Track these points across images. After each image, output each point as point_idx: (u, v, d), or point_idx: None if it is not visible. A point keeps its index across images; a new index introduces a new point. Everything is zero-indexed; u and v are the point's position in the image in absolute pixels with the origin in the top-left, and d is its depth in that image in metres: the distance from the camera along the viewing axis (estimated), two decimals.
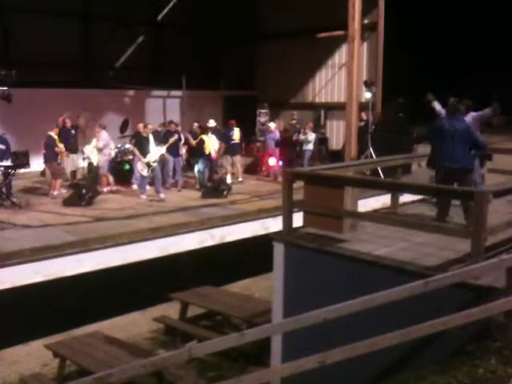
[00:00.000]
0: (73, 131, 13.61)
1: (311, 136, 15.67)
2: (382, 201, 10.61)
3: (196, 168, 13.50)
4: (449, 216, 7.47)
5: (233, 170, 14.55)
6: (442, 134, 7.48)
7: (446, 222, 7.36)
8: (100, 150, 13.00)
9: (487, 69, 34.99)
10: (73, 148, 13.50)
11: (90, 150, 13.41)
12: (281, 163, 15.09)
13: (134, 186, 13.25)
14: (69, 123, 13.44)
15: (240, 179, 14.38)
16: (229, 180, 13.98)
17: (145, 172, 12.17)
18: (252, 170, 15.97)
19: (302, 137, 15.78)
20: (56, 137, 12.46)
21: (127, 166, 14.01)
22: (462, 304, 4.95)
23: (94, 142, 13.33)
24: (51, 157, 12.34)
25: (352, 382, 5.61)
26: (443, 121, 7.74)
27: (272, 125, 16.23)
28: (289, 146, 15.47)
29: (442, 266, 5.74)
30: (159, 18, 21.19)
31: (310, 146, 15.66)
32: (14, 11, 17.03)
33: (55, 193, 12.25)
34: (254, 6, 21.26)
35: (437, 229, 6.59)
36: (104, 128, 13.41)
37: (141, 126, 13.08)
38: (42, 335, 9.03)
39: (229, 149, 14.52)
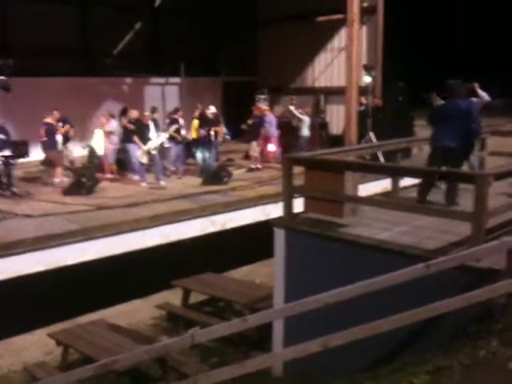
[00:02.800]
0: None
1: (304, 120, 15.47)
2: (382, 185, 10.61)
3: (200, 156, 13.42)
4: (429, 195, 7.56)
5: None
6: (445, 115, 7.49)
7: (429, 201, 7.44)
8: (108, 137, 13.00)
9: (487, 53, 34.85)
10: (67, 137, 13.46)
11: (94, 138, 13.34)
12: (273, 148, 15.04)
13: (130, 175, 13.25)
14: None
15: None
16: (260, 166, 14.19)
17: (144, 159, 12.15)
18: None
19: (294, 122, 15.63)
20: (55, 123, 12.41)
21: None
22: (464, 286, 4.96)
23: (97, 130, 13.30)
24: (51, 145, 12.31)
25: (354, 365, 5.64)
26: (447, 102, 7.71)
27: (265, 107, 16.01)
28: (286, 131, 15.36)
29: (443, 249, 5.75)
30: (157, 3, 21.04)
31: (305, 132, 15.48)
32: None
33: (57, 180, 12.24)
34: None
35: (438, 212, 6.60)
36: (113, 116, 13.42)
37: (134, 111, 13.05)
38: (46, 324, 9.07)
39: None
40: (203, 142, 13.39)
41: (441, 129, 7.49)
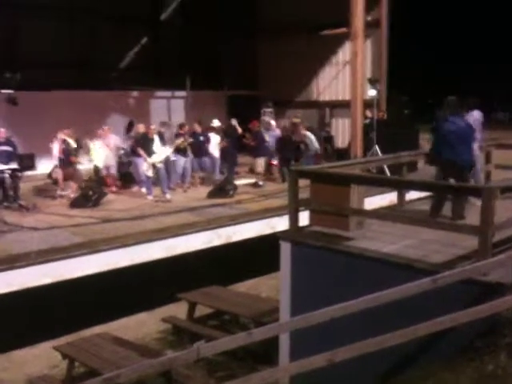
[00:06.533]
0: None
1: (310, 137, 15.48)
2: (388, 198, 10.59)
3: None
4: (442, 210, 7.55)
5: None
6: (445, 132, 7.50)
7: (440, 216, 7.43)
8: (108, 150, 13.06)
9: (489, 67, 34.96)
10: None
11: (96, 151, 13.38)
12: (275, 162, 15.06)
13: (135, 188, 13.27)
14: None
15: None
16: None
17: (150, 172, 12.19)
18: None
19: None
20: (75, 145, 12.45)
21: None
22: (471, 300, 4.93)
23: (96, 143, 13.33)
24: (68, 162, 12.36)
25: (360, 379, 5.60)
26: (445, 119, 7.70)
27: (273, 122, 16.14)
28: (288, 145, 15.35)
29: (450, 263, 5.73)
30: (162, 17, 21.21)
31: (315, 145, 15.46)
32: (17, 13, 17.02)
33: (72, 195, 12.21)
34: (255, 3, 21.28)
35: (444, 226, 6.58)
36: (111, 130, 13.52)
37: (141, 126, 13.13)
38: (51, 337, 9.03)
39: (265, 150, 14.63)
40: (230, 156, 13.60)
41: (441, 146, 7.53)
